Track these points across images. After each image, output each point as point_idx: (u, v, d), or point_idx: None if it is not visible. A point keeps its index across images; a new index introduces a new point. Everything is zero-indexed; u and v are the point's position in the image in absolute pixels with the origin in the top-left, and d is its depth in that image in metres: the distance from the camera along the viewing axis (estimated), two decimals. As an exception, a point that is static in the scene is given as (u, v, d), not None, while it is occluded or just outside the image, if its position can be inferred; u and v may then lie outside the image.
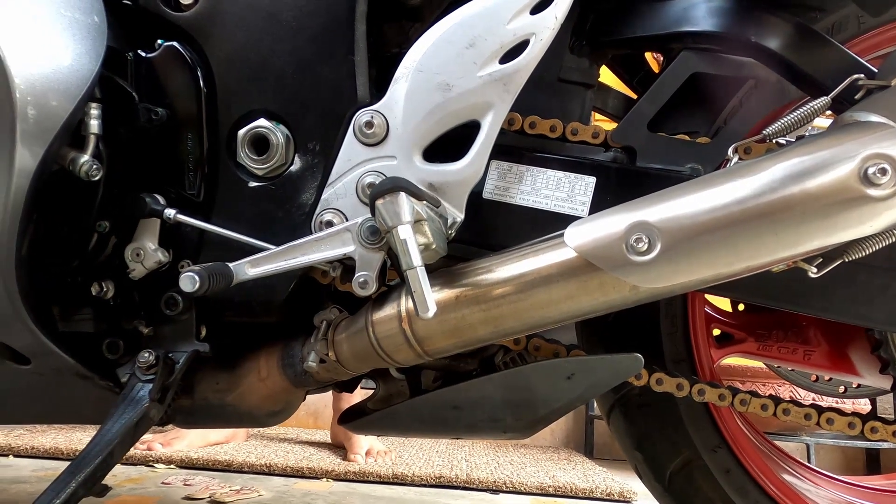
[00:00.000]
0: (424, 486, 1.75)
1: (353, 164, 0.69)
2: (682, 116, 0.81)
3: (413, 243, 0.51)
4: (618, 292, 0.55)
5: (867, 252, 0.54)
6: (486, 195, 0.74)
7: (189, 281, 0.59)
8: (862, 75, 0.57)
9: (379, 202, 0.52)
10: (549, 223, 0.71)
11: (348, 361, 0.71)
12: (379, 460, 1.94)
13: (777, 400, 0.74)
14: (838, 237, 0.48)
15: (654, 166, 0.71)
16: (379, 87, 0.71)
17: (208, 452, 1.89)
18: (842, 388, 1.22)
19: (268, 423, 0.91)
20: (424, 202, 0.55)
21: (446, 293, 0.62)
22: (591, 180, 0.71)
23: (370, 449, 2.00)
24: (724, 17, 0.69)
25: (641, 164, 0.72)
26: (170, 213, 0.70)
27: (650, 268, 0.52)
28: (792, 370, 1.29)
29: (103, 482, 0.69)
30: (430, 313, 0.52)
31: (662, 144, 0.71)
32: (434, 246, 0.57)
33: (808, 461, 2.34)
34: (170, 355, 0.73)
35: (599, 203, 0.70)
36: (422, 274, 0.51)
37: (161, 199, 0.72)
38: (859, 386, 1.20)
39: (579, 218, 0.71)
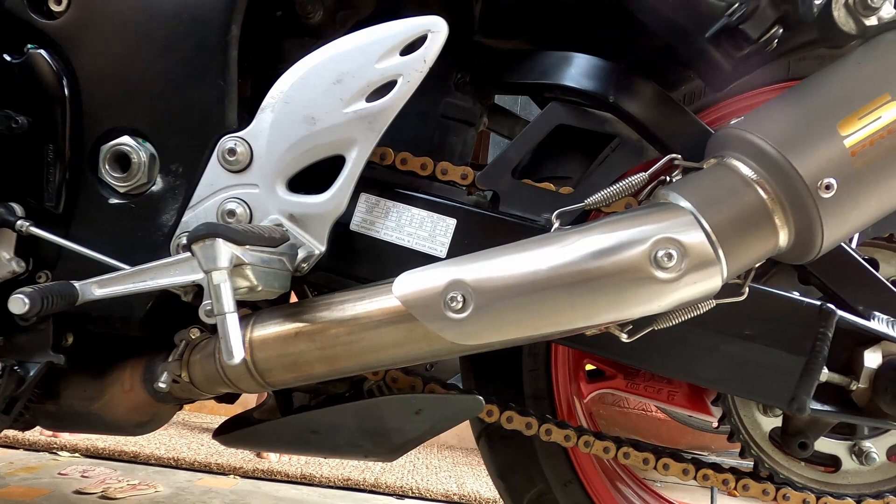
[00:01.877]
0: (331, 487, 1.77)
1: (215, 189, 0.69)
2: (560, 162, 0.84)
3: (226, 290, 0.52)
4: (441, 343, 0.57)
5: (675, 322, 0.56)
6: (353, 227, 0.74)
7: (18, 303, 0.59)
8: (678, 156, 0.59)
9: (195, 246, 0.52)
10: (411, 260, 0.72)
11: (201, 383, 0.72)
12: (292, 458, 1.94)
13: (619, 443, 0.77)
14: (629, 313, 0.51)
15: (515, 213, 0.73)
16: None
17: (116, 441, 1.87)
18: (715, 424, 1.27)
19: (135, 433, 0.91)
20: (247, 247, 0.56)
21: (287, 328, 0.63)
22: (451, 222, 0.72)
23: (285, 446, 1.99)
24: (589, 75, 0.71)
25: (504, 210, 0.73)
26: (22, 224, 0.69)
27: (464, 325, 0.54)
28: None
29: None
30: (236, 360, 0.52)
31: (525, 192, 0.73)
32: (261, 288, 0.57)
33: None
34: (16, 368, 0.72)
35: (458, 245, 0.72)
36: (231, 321, 0.52)
37: (18, 209, 0.71)
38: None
39: (438, 258, 0.73)
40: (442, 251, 0.72)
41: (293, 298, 0.78)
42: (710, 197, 0.51)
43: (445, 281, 0.54)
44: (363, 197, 0.75)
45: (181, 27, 0.70)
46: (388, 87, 0.68)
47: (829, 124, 0.50)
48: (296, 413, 0.84)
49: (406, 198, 0.74)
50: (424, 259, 0.72)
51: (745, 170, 0.52)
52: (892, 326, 0.68)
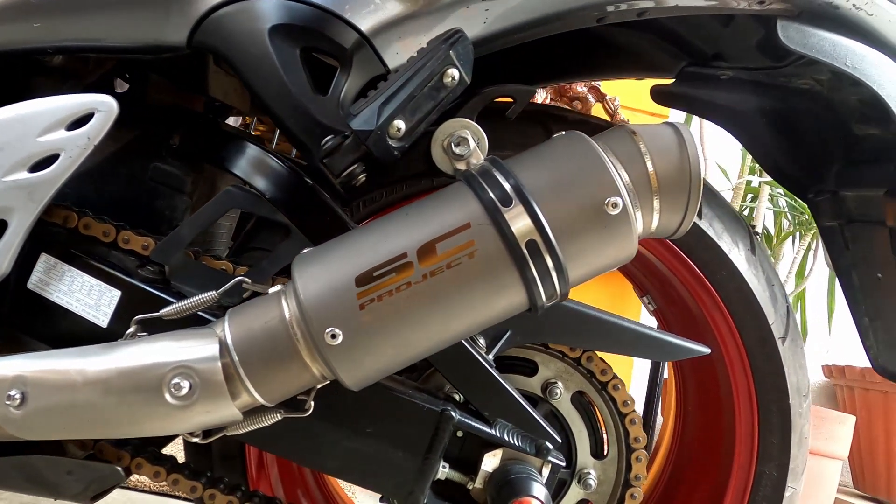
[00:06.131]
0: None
1: None
2: (274, 232, 0.86)
3: None
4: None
5: (245, 431, 0.60)
6: (30, 285, 0.76)
7: None
8: (248, 279, 0.62)
9: None
10: (76, 327, 0.74)
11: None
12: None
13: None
14: (149, 431, 0.54)
15: (185, 290, 0.75)
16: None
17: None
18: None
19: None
20: None
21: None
22: (116, 294, 0.74)
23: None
24: (258, 170, 0.74)
25: (175, 285, 0.76)
26: None
27: (22, 421, 0.56)
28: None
29: None
30: None
31: (195, 269, 0.75)
32: None
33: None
34: None
35: (120, 317, 0.74)
36: None
37: None
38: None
39: (100, 327, 0.75)
40: (104, 321, 0.74)
41: None
42: (250, 328, 0.54)
43: (11, 375, 0.56)
44: (44, 257, 0.76)
45: None
46: (52, 159, 0.70)
47: (348, 276, 0.52)
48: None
49: (82, 263, 0.75)
50: (90, 328, 0.74)
51: (285, 306, 0.55)
52: (510, 434, 0.73)
